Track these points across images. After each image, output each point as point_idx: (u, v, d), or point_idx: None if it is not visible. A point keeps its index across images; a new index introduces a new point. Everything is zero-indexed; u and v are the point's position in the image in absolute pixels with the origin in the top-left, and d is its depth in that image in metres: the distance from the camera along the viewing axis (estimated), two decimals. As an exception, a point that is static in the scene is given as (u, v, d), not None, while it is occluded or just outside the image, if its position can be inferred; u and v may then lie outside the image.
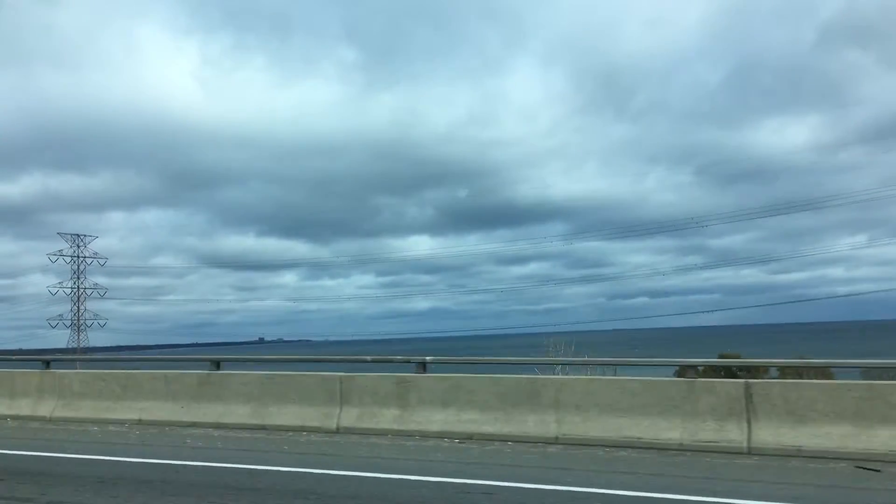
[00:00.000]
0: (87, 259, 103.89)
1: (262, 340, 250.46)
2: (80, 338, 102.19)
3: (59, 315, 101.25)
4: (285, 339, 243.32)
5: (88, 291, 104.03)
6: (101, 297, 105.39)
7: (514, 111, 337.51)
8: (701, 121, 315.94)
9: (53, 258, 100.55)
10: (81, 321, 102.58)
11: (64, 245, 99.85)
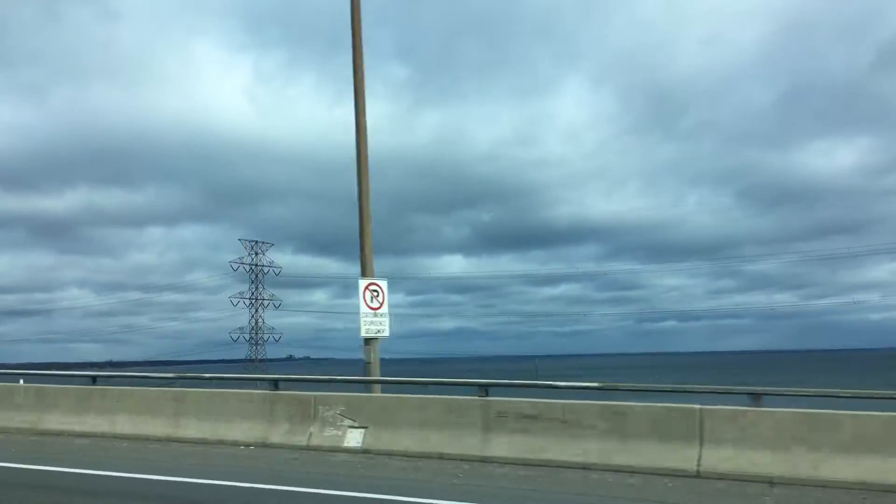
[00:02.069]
0: (263, 268, 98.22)
1: (290, 358, 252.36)
2: (258, 350, 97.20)
3: (239, 328, 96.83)
4: (312, 357, 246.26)
5: (265, 302, 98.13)
6: (276, 307, 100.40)
7: (560, 131, 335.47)
8: (747, 142, 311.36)
9: (235, 266, 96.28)
10: (260, 333, 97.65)
11: (231, 256, 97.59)
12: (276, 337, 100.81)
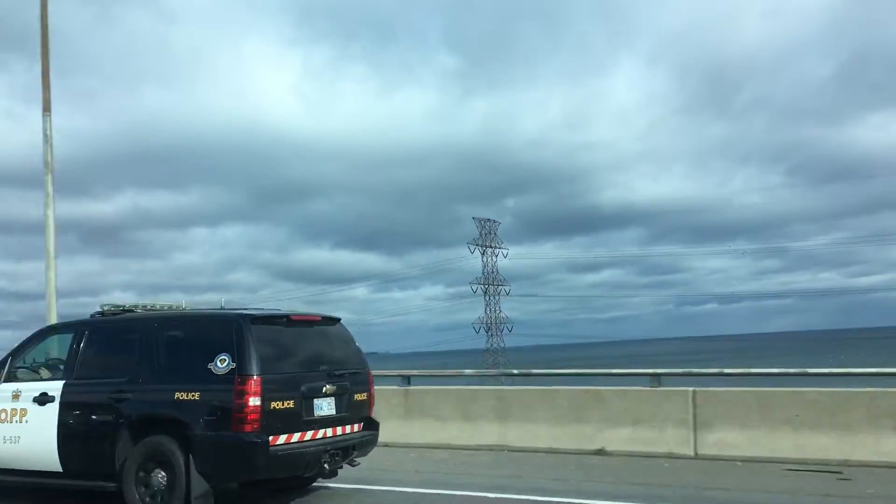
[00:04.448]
0: (493, 249, 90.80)
1: None
2: (495, 340, 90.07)
3: (479, 318, 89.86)
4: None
5: (500, 290, 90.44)
6: (507, 294, 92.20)
7: (611, 113, 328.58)
8: (801, 117, 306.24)
9: (472, 248, 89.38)
10: (497, 321, 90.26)
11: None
12: (509, 327, 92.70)
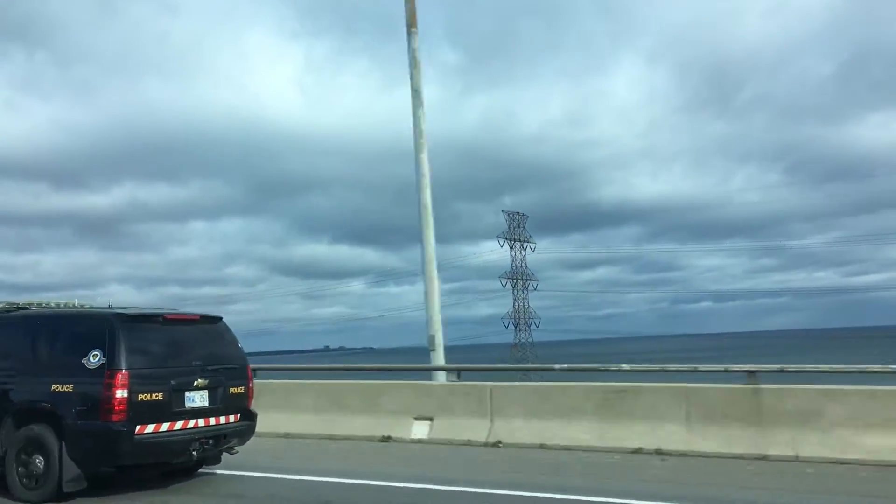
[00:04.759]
0: (522, 243, 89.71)
1: (327, 349, 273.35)
2: (523, 335, 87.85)
3: (508, 312, 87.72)
4: (347, 346, 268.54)
5: (528, 283, 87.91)
6: (534, 289, 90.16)
7: (612, 110, 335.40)
8: (802, 116, 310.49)
9: (501, 242, 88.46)
10: (525, 315, 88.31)
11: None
12: (537, 322, 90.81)
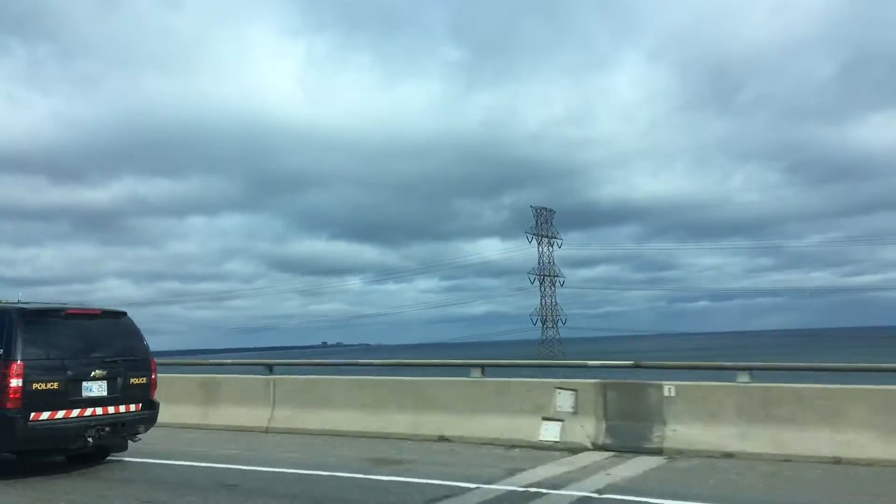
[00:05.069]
0: (550, 239, 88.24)
1: (324, 345, 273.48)
2: (550, 331, 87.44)
3: (536, 308, 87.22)
4: (344, 343, 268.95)
5: (557, 280, 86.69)
6: (561, 286, 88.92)
7: (613, 109, 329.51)
8: (803, 116, 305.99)
9: (529, 238, 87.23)
10: (553, 312, 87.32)
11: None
12: (563, 319, 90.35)
